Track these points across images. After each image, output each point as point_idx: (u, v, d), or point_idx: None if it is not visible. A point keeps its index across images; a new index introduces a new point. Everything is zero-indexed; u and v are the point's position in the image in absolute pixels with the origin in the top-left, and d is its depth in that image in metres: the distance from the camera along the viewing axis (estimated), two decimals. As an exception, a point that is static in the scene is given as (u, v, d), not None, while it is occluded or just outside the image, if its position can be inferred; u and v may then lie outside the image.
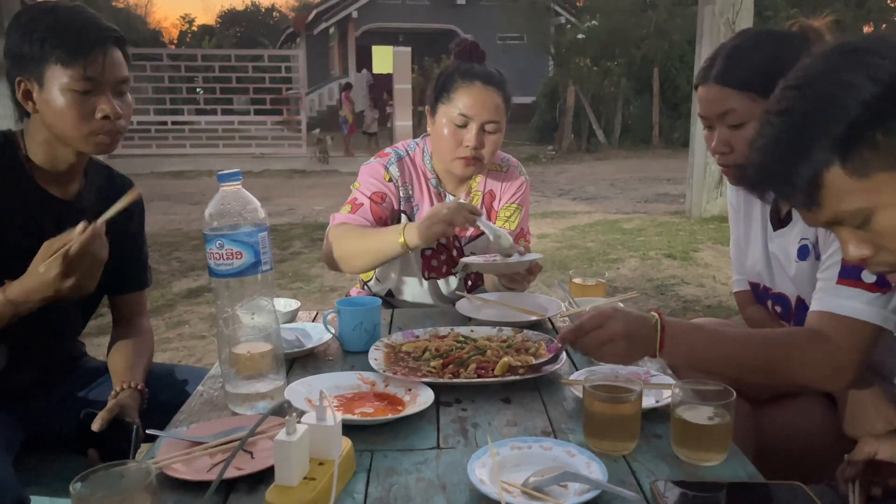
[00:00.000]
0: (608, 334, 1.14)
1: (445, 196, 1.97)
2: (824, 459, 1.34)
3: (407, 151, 1.96)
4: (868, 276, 1.19)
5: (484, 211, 1.97)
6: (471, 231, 1.98)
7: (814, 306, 1.25)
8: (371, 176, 1.89)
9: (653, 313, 1.17)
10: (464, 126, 1.80)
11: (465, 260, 1.77)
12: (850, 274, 1.21)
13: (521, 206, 1.99)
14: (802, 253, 1.39)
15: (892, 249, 0.91)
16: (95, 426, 1.32)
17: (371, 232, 1.78)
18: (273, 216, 7.76)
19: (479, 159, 1.83)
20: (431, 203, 1.94)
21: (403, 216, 1.92)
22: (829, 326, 1.20)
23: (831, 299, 1.22)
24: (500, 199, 1.99)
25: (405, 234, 1.64)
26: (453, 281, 1.98)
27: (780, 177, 0.92)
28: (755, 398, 1.41)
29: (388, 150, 1.97)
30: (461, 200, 1.87)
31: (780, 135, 0.91)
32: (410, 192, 1.93)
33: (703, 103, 1.38)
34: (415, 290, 1.97)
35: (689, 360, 1.26)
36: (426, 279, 1.95)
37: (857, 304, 1.19)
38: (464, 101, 1.79)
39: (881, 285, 1.19)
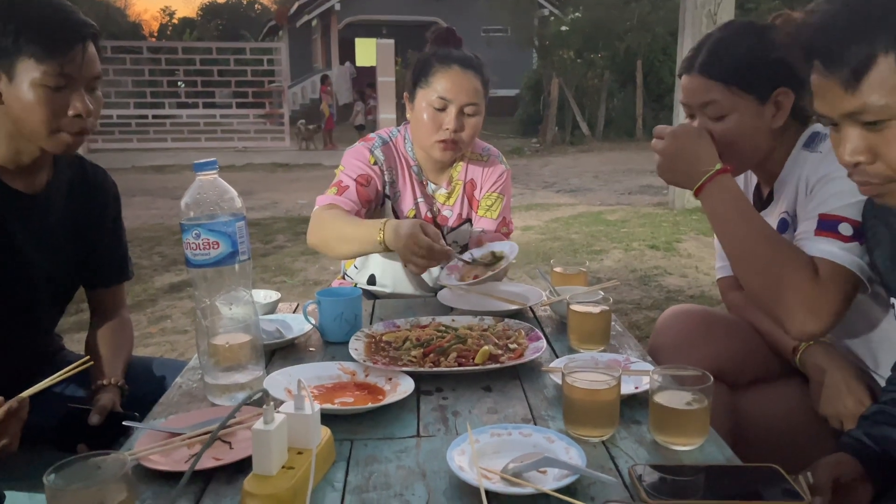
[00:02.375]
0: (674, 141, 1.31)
1: (427, 184, 1.96)
2: (802, 444, 1.36)
3: (390, 137, 1.95)
4: (845, 229, 1.21)
5: (465, 207, 1.98)
6: (452, 220, 1.98)
7: None
8: (356, 159, 1.89)
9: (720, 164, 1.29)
10: (443, 109, 1.80)
11: (445, 283, 1.75)
12: (826, 227, 1.23)
13: (502, 194, 1.99)
14: (782, 226, 1.41)
15: (888, 162, 0.92)
16: (94, 420, 1.30)
17: (357, 222, 1.77)
18: (256, 210, 7.71)
19: (458, 143, 1.83)
20: (413, 191, 1.94)
21: (387, 201, 1.92)
22: None
23: (810, 244, 1.24)
24: (481, 188, 1.99)
25: (385, 234, 1.60)
26: (435, 270, 1.98)
27: (836, 44, 0.90)
28: (733, 383, 1.43)
29: (372, 135, 1.97)
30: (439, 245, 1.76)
31: (857, 4, 0.90)
32: (394, 178, 1.93)
33: (685, 92, 1.39)
34: (396, 275, 1.96)
35: (716, 214, 1.31)
36: (405, 266, 1.94)
37: (834, 249, 1.21)
38: (442, 85, 1.79)
39: (855, 237, 1.21)
